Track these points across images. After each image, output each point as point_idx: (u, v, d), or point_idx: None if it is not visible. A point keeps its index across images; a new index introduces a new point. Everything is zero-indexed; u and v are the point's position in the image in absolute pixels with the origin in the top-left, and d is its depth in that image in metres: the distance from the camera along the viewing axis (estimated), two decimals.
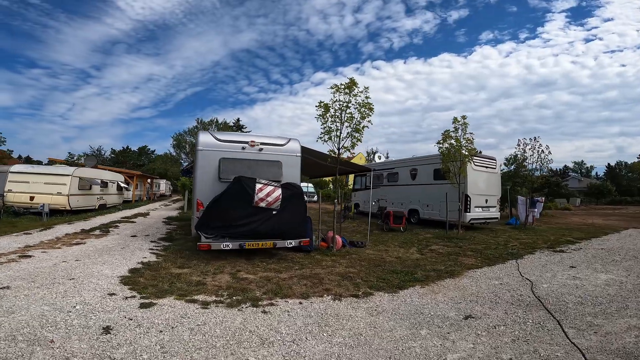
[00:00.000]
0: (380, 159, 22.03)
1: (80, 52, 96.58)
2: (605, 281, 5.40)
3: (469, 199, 12.40)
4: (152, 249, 7.84)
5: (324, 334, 3.45)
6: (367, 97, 8.03)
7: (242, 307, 4.14)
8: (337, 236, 8.35)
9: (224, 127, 40.58)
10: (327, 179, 40.20)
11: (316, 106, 8.10)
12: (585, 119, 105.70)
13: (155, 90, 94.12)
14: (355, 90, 7.91)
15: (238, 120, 57.26)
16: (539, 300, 4.37)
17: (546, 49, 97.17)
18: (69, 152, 29.39)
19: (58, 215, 14.59)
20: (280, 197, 6.72)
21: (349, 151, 8.27)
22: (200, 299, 4.38)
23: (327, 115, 8.00)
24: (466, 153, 11.09)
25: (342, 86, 7.96)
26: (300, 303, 4.36)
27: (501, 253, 8.03)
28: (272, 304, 4.29)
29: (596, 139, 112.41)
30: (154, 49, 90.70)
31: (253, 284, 5.17)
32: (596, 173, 73.37)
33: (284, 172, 7.57)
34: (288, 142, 7.87)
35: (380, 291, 4.92)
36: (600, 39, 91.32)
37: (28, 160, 59.70)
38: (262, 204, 6.54)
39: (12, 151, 38.60)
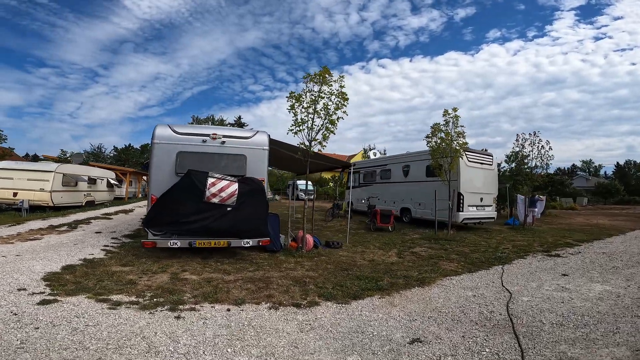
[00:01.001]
0: (375, 155, 21.24)
1: (89, 51, 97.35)
2: (598, 294, 4.62)
3: (462, 197, 11.59)
4: (106, 246, 7.50)
5: (229, 350, 2.89)
6: (341, 87, 7.38)
7: (156, 311, 3.74)
8: (308, 236, 7.70)
9: (220, 124, 40.06)
10: (326, 176, 39.48)
11: (287, 97, 7.46)
12: (594, 117, 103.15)
13: (162, 88, 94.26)
14: (330, 80, 7.27)
15: (239, 118, 56.57)
16: (510, 319, 3.62)
17: (555, 47, 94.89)
18: (61, 149, 29.20)
19: (39, 211, 14.26)
20: (237, 192, 6.27)
21: (321, 144, 7.59)
22: (115, 299, 4.08)
23: (299, 106, 7.35)
24: (457, 147, 10.27)
25: (316, 76, 7.31)
26: (228, 310, 3.88)
27: (489, 257, 7.26)
28: (193, 309, 3.83)
29: (606, 137, 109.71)
30: (161, 47, 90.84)
31: (189, 285, 4.77)
32: (605, 172, 71.04)
33: (249, 166, 7.05)
34: (254, 135, 7.36)
35: (330, 301, 4.26)
36: (610, 37, 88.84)
37: (35, 159, 60.09)
38: (215, 200, 6.12)
39: (14, 148, 38.74)
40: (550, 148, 12.36)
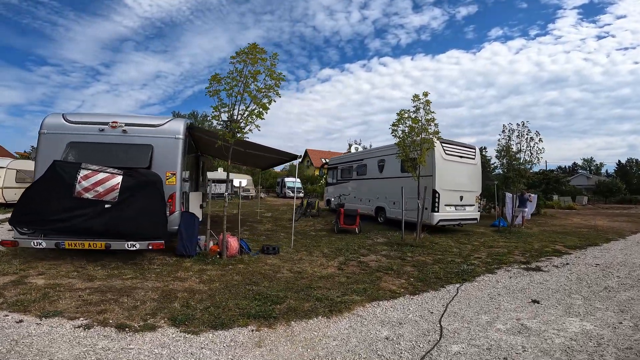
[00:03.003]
0: (357, 150, 19.77)
1: (90, 49, 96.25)
2: (571, 338, 3.16)
3: (437, 195, 10.12)
4: None
5: None
6: (272, 65, 6.12)
7: None
8: (231, 239, 6.44)
9: (203, 120, 38.55)
10: (317, 172, 38.05)
11: (209, 79, 6.23)
12: (596, 116, 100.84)
13: (164, 87, 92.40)
14: (258, 59, 6.04)
15: (232, 115, 55.13)
16: None
17: (557, 46, 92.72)
18: (32, 146, 28.16)
19: None
20: (119, 187, 5.36)
21: (241, 131, 6.27)
22: None
23: (220, 88, 6.18)
24: (429, 137, 8.77)
25: (242, 54, 6.04)
26: (20, 321, 3.22)
27: (450, 270, 5.81)
28: None
29: (607, 136, 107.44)
30: (162, 46, 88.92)
31: (19, 289, 4.11)
32: (606, 170, 68.73)
33: (157, 157, 6.20)
34: (166, 123, 6.49)
35: (176, 327, 3.24)
36: (613, 36, 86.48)
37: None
38: (88, 195, 5.25)
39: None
40: (540, 140, 10.82)
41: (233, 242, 6.45)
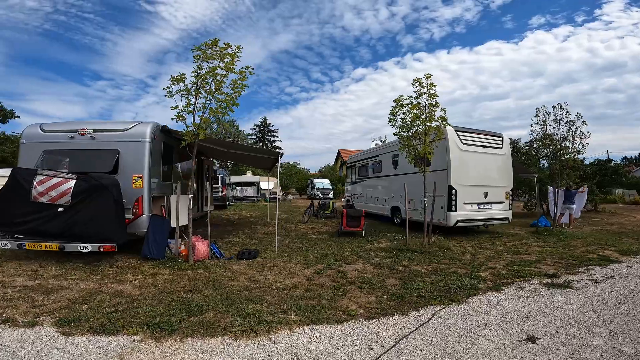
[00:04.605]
0: (378, 145, 18.45)
1: (137, 63, 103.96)
2: None
3: (453, 191, 8.74)
4: None
5: None
6: (233, 58, 5.82)
7: None
8: (198, 243, 6.14)
9: (230, 126, 39.18)
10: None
11: (170, 79, 5.86)
12: None
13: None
14: (216, 54, 5.80)
15: (265, 119, 55.76)
16: None
17: (609, 32, 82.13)
18: None
19: None
20: (71, 191, 5.48)
21: (199, 128, 5.82)
22: None
23: (179, 88, 5.84)
24: (437, 124, 7.50)
25: (205, 46, 5.80)
26: None
27: (444, 286, 4.66)
28: None
29: None
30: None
31: None
32: None
33: (123, 161, 6.31)
34: (132, 127, 6.54)
35: (57, 327, 3.23)
36: None
37: None
38: (43, 199, 5.43)
39: None
40: (584, 123, 8.90)
41: (200, 246, 6.13)
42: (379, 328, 3.28)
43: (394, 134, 7.70)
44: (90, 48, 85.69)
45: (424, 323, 3.39)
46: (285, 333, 3.10)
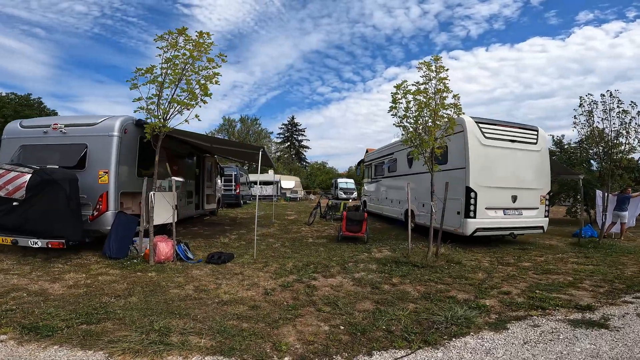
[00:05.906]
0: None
1: None
2: None
3: (472, 194, 7.41)
4: None
5: None
6: (203, 42, 5.50)
7: None
8: (161, 243, 5.68)
9: (252, 124, 39.20)
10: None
11: (134, 71, 5.56)
12: None
13: (240, 96, 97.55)
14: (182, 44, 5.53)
15: (292, 118, 55.50)
16: None
17: None
18: None
19: None
20: (25, 185, 5.37)
21: (161, 117, 5.54)
22: None
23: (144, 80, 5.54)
24: (449, 113, 6.25)
25: (161, 39, 5.51)
26: None
27: (428, 317, 3.59)
28: None
29: None
30: (235, 57, 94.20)
31: None
32: None
33: (91, 156, 6.21)
34: (101, 121, 6.43)
35: None
36: None
37: None
38: (1, 193, 5.46)
39: None
40: (639, 114, 7.14)
41: (163, 247, 5.65)
42: None
43: (394, 124, 6.53)
44: (136, 51, 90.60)
45: None
46: None
